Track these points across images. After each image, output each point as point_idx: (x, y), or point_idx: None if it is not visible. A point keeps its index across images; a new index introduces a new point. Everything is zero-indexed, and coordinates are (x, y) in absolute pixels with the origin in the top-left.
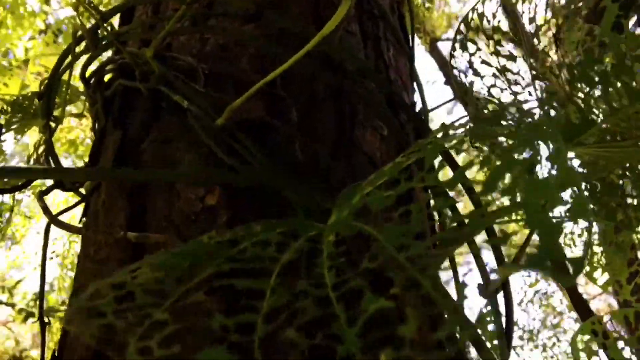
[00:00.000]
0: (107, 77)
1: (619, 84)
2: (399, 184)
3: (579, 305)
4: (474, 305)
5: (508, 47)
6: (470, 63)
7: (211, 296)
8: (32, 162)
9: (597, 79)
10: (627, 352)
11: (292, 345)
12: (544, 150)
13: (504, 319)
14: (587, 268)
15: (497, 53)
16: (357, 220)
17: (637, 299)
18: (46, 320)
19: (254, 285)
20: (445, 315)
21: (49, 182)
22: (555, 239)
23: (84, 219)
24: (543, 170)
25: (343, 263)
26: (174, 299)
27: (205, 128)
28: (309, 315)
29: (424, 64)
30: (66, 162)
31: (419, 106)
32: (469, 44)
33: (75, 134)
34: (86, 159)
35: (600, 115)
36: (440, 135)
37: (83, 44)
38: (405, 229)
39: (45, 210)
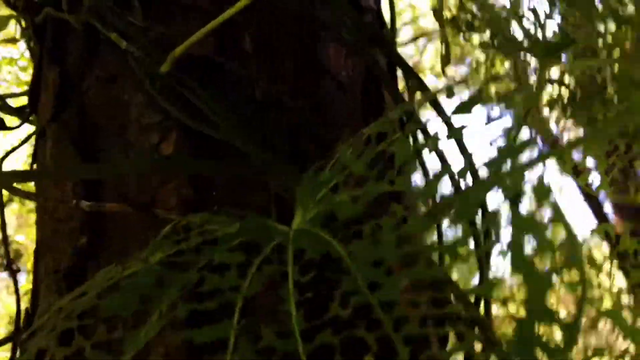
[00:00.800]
0: None
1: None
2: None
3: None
4: None
5: None
6: None
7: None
8: None
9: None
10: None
11: None
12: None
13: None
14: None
15: None
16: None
17: (613, 191)
18: (14, 267)
19: (214, 335)
20: None
21: None
22: (544, 294)
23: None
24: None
25: (314, 297)
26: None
27: (148, 73)
28: None
29: None
30: (9, 77)
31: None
32: None
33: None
34: (30, 73)
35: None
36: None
37: None
38: (379, 254)
39: None
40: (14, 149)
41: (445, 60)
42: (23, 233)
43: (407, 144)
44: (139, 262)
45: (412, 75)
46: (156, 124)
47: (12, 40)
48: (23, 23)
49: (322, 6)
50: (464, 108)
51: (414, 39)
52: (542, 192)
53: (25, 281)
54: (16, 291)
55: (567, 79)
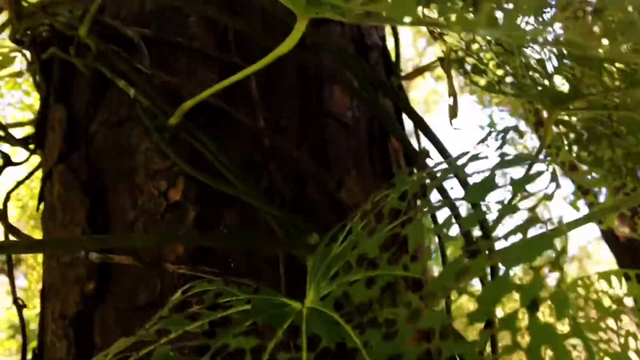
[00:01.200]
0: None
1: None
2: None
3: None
4: None
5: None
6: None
7: None
8: None
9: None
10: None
11: None
12: None
13: None
14: (572, 197)
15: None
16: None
17: (620, 225)
18: (20, 302)
19: None
20: None
21: None
22: None
23: (41, 206)
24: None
25: None
26: None
27: (156, 123)
28: None
29: None
30: (12, 100)
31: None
32: None
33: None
34: (34, 94)
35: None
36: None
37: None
38: (396, 349)
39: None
40: (18, 185)
41: (453, 112)
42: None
43: (421, 228)
44: (150, 337)
45: (421, 123)
46: (164, 170)
47: (18, 74)
48: (29, 57)
49: (327, 53)
50: (478, 195)
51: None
52: (561, 302)
53: (25, 285)
54: (22, 328)
55: (573, 119)
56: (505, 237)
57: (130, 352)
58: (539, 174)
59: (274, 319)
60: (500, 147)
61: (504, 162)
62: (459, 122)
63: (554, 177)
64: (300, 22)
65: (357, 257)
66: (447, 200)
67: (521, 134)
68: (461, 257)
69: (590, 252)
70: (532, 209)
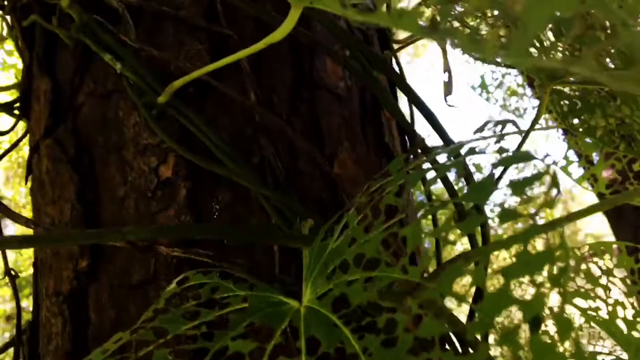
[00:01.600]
0: None
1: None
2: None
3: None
4: None
5: None
6: None
7: None
8: None
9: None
10: (603, 280)
11: None
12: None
13: None
14: (564, 162)
15: None
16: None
17: (611, 192)
18: (13, 273)
19: None
20: None
21: None
22: None
23: (29, 177)
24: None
25: None
26: None
27: (143, 100)
28: None
29: None
30: None
31: None
32: None
33: None
34: (17, 55)
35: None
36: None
37: None
38: (396, 356)
39: None
40: (3, 155)
41: (448, 89)
42: (10, 187)
43: (420, 229)
44: (148, 336)
45: (416, 99)
46: (154, 145)
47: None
48: (10, 22)
49: (320, 24)
50: (478, 196)
51: None
52: (564, 324)
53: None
54: (16, 298)
55: (567, 89)
56: (506, 246)
57: (128, 353)
58: (539, 175)
59: (272, 319)
60: (498, 141)
61: (503, 160)
62: (453, 95)
63: (554, 182)
64: (294, 11)
65: (355, 255)
66: (445, 201)
67: (517, 126)
68: (460, 265)
69: (575, 195)
70: (532, 216)
